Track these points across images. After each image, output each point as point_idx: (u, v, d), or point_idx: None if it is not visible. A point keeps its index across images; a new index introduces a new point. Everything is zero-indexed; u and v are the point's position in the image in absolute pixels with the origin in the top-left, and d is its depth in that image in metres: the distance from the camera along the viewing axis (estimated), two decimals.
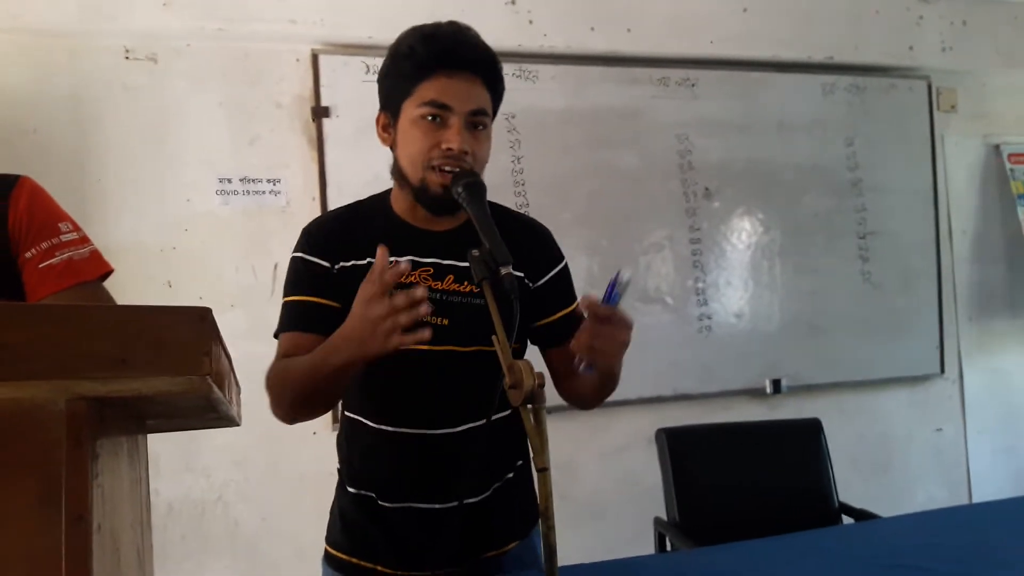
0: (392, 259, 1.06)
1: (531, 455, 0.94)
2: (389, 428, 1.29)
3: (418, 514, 1.30)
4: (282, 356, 1.24)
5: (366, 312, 1.01)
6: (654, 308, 3.01)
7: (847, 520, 2.08)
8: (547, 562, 0.93)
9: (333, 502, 1.41)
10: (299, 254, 1.29)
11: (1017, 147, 3.54)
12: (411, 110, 1.21)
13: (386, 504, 1.31)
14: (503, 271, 1.05)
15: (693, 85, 3.09)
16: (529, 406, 0.93)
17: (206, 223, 2.62)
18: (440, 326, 1.22)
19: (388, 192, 1.34)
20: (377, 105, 1.29)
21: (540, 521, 0.95)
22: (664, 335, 3.00)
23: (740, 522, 1.81)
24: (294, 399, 1.19)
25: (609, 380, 1.23)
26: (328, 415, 2.36)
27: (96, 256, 1.31)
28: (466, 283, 1.26)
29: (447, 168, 1.19)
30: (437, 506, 1.29)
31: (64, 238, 1.27)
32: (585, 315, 1.08)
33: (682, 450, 2.07)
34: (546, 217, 1.45)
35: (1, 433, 0.60)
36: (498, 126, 1.38)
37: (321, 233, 1.30)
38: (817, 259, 3.22)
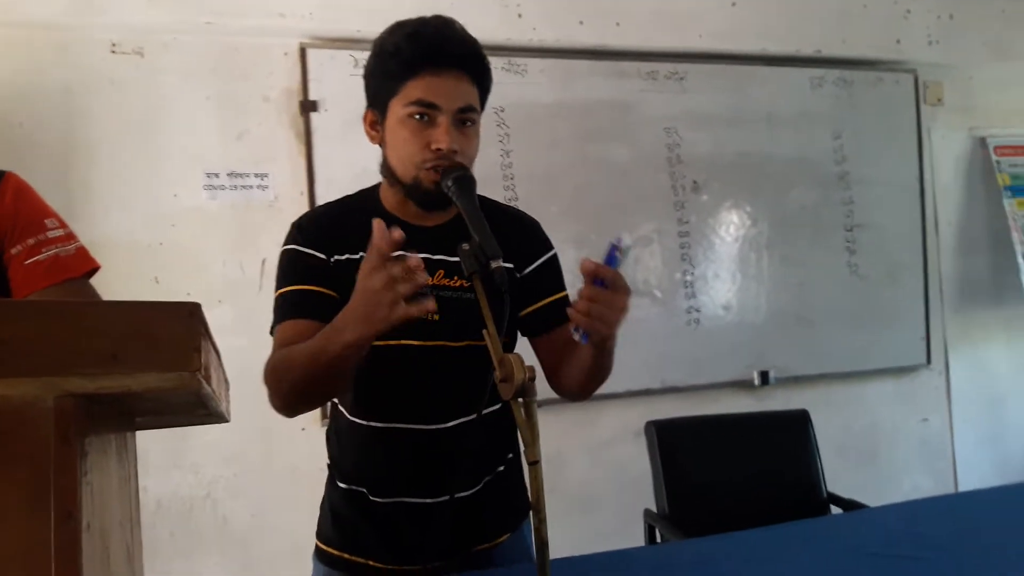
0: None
1: (522, 448, 0.94)
2: (380, 424, 1.29)
3: (409, 509, 1.30)
4: (281, 346, 1.20)
5: (367, 284, 0.98)
6: (642, 301, 3.01)
7: (835, 510, 2.10)
8: (539, 555, 0.93)
9: (323, 497, 1.41)
10: (292, 246, 1.27)
11: (1003, 140, 3.57)
12: (398, 109, 1.20)
13: (377, 499, 1.31)
14: (493, 264, 1.04)
15: (681, 79, 3.09)
16: (520, 399, 0.93)
17: (193, 218, 2.60)
18: (431, 322, 1.22)
19: (377, 187, 1.34)
20: (365, 100, 1.28)
21: (531, 514, 0.94)
22: (652, 328, 3.01)
23: (729, 513, 1.82)
24: (296, 387, 1.14)
25: (603, 359, 1.18)
26: (317, 411, 2.36)
27: (82, 252, 1.31)
28: (456, 278, 1.25)
29: (438, 168, 1.19)
30: (428, 501, 1.29)
31: (50, 234, 1.26)
32: (583, 279, 1.04)
33: (671, 442, 2.08)
34: (535, 210, 1.45)
35: None
36: (487, 119, 1.38)
37: (313, 226, 1.29)
38: (804, 251, 3.24)
